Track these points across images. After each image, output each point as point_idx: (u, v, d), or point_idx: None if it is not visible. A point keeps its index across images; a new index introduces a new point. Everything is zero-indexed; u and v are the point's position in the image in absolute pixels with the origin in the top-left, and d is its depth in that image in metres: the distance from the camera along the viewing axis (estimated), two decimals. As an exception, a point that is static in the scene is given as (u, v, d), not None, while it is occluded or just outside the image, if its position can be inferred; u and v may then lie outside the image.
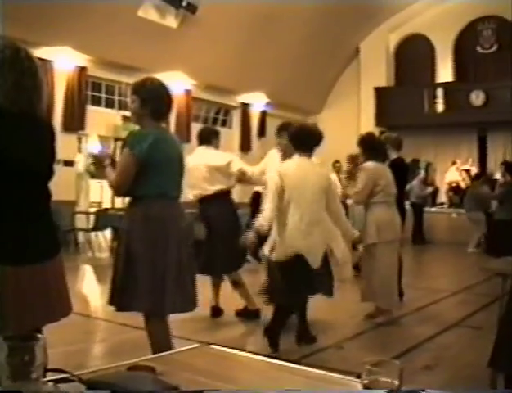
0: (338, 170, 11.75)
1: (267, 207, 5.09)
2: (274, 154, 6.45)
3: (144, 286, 3.81)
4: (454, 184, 17.24)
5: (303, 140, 5.34)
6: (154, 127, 3.93)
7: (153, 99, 3.92)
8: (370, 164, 6.41)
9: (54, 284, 2.88)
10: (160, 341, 4.00)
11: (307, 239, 5.10)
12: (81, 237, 12.72)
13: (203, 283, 7.04)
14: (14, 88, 2.72)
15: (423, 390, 1.43)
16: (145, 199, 3.89)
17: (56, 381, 1.37)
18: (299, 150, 5.30)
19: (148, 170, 3.80)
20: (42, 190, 2.89)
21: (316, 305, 6.44)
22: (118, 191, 4.00)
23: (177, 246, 3.92)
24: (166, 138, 4.01)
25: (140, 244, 3.83)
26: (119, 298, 3.88)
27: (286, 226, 5.13)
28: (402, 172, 7.60)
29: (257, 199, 10.66)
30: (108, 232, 13.24)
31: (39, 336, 1.27)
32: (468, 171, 17.65)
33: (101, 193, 15.49)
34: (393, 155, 7.42)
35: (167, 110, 4.04)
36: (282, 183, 5.12)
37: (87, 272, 10.02)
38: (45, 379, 1.31)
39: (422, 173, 15.61)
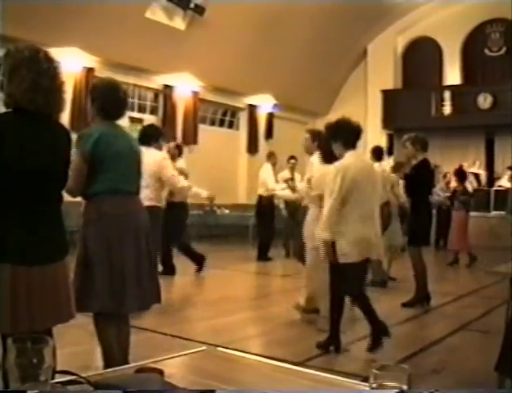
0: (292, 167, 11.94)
1: None
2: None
3: (101, 285, 3.78)
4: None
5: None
6: (103, 125, 3.92)
7: (99, 98, 3.95)
8: None
9: (63, 285, 2.90)
10: (110, 341, 4.02)
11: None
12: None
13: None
14: (31, 88, 2.74)
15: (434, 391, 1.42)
16: (97, 196, 3.86)
17: (65, 384, 1.37)
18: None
19: (97, 167, 3.79)
20: (55, 192, 2.91)
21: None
22: (72, 192, 3.87)
23: (134, 241, 3.90)
24: (115, 134, 3.97)
25: (95, 243, 3.82)
26: (76, 299, 3.82)
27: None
28: (429, 174, 7.57)
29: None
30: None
31: (48, 338, 1.28)
32: (476, 174, 17.60)
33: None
34: (420, 157, 7.39)
35: (114, 109, 4.00)
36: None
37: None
38: (53, 381, 1.31)
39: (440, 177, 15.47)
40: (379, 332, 5.26)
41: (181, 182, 7.00)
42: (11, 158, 2.69)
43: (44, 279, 2.78)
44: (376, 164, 7.82)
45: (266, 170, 11.80)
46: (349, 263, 5.10)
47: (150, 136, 7.14)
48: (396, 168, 8.88)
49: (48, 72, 2.82)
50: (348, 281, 5.19)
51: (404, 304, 7.32)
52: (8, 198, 2.72)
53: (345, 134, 5.30)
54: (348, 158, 5.21)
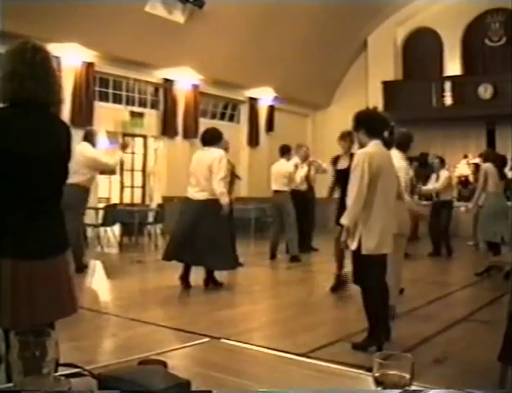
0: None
1: None
2: None
3: None
4: (463, 178, 17.18)
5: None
6: None
7: None
8: None
9: (65, 279, 2.89)
10: None
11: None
12: (90, 232, 12.74)
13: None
14: (10, 78, 2.73)
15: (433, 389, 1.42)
16: None
17: (68, 376, 1.37)
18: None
19: None
20: (54, 186, 2.90)
21: (326, 300, 6.45)
22: None
23: None
24: None
25: None
26: None
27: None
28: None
29: None
30: (117, 228, 13.27)
31: (50, 331, 1.28)
32: (476, 164, 17.57)
33: (109, 189, 15.53)
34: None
35: None
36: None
37: (97, 267, 10.05)
38: (56, 374, 1.31)
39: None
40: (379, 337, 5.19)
41: None
42: (8, 152, 2.68)
43: (45, 273, 2.77)
44: None
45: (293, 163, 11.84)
46: (376, 254, 5.05)
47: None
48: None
49: (32, 60, 2.77)
50: (374, 272, 5.12)
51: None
52: (7, 193, 2.72)
53: (369, 124, 5.28)
54: (372, 146, 5.18)
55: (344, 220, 5.10)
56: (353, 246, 5.09)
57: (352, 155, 6.61)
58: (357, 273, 5.20)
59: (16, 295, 2.67)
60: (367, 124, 5.27)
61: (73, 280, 2.99)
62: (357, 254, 5.10)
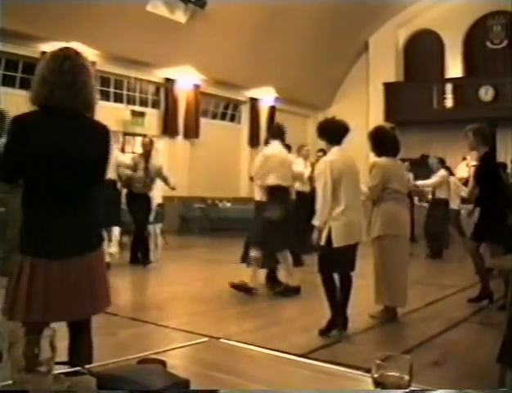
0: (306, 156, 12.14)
1: None
2: None
3: None
4: (463, 180, 17.16)
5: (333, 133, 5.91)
6: None
7: None
8: (382, 159, 6.39)
9: (85, 280, 2.89)
10: None
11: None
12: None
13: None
14: (39, 83, 2.84)
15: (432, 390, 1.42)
16: None
17: (67, 374, 1.37)
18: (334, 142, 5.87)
19: None
20: (82, 188, 2.92)
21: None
22: None
23: None
24: None
25: None
26: None
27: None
28: (492, 166, 7.58)
29: None
30: (117, 227, 13.24)
31: (49, 329, 1.28)
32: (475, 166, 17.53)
33: (109, 188, 15.50)
34: (483, 149, 7.37)
35: None
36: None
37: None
38: (55, 372, 1.31)
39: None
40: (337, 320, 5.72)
41: None
42: (34, 153, 2.78)
43: (63, 273, 2.80)
44: None
45: (298, 164, 11.74)
46: (341, 246, 5.61)
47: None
48: None
49: (60, 68, 2.85)
50: (339, 261, 5.71)
51: (470, 300, 7.35)
52: (32, 192, 2.82)
53: (328, 132, 5.90)
54: (334, 153, 5.82)
55: (316, 222, 5.70)
56: (323, 241, 5.68)
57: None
58: (325, 266, 5.76)
59: (32, 292, 2.74)
60: (327, 133, 5.92)
61: (98, 281, 2.98)
62: (326, 248, 5.66)
